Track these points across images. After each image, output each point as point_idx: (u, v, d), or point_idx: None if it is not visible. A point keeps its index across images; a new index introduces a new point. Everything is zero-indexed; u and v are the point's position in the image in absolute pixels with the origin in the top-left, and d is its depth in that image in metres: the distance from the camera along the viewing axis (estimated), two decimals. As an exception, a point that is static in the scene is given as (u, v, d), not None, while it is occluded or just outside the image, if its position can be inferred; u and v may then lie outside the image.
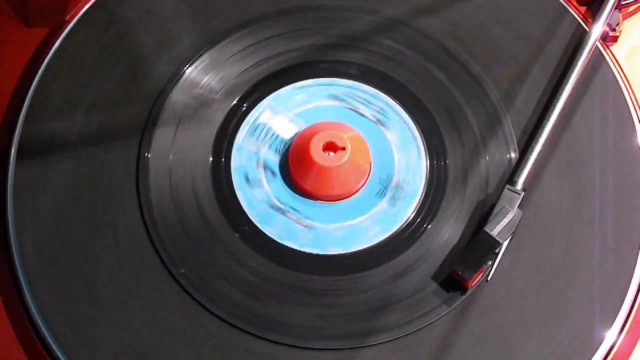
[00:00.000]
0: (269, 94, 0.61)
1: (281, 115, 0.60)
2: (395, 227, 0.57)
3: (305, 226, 0.57)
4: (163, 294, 0.54)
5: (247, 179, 0.58)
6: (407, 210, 0.57)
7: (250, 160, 0.59)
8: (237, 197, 0.58)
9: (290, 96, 0.61)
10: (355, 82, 0.62)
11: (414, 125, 0.60)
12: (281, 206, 0.58)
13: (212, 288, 0.54)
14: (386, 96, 0.61)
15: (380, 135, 0.60)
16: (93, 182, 0.57)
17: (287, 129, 0.60)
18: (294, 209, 0.58)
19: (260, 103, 0.60)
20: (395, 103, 0.61)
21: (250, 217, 0.57)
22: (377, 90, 0.61)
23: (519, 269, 0.55)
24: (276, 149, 0.59)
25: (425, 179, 0.59)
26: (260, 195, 0.58)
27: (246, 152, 0.59)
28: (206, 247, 0.56)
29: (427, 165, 0.59)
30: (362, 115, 0.60)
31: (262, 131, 0.59)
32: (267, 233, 0.56)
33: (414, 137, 0.59)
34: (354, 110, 0.61)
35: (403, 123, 0.60)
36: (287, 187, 0.58)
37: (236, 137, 0.60)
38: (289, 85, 0.61)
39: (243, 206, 0.57)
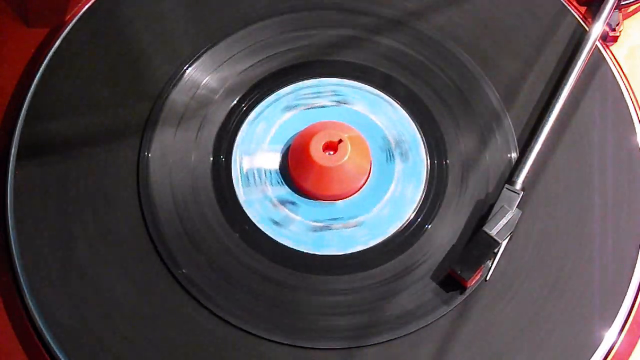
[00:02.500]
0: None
1: (258, 152, 0.59)
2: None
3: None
4: (163, 294, 0.54)
5: (277, 224, 0.57)
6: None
7: (267, 206, 0.58)
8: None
9: (252, 132, 0.60)
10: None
11: (380, 94, 0.61)
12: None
13: (212, 288, 0.54)
14: (326, 79, 0.61)
15: (350, 112, 0.60)
16: (93, 182, 0.57)
17: (271, 160, 0.59)
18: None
19: (233, 154, 0.59)
20: (342, 80, 0.61)
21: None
22: (319, 79, 0.61)
23: (518, 269, 0.55)
24: (277, 182, 0.59)
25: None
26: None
27: (257, 202, 0.58)
28: (206, 247, 0.56)
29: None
30: (323, 107, 0.61)
31: (254, 177, 0.59)
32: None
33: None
34: (312, 107, 0.61)
35: (361, 91, 0.61)
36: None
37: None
38: (243, 122, 0.60)
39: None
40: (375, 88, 0.62)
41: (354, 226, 0.57)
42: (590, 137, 0.59)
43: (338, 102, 0.61)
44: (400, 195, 0.58)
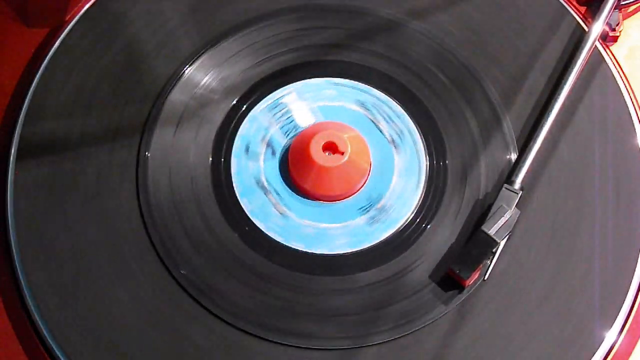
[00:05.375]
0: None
1: (305, 102, 0.60)
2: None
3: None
4: (163, 294, 0.54)
5: (247, 150, 0.57)
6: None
7: (258, 133, 0.59)
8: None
9: (321, 88, 0.61)
10: (388, 98, 0.61)
11: (424, 156, 0.59)
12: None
13: (212, 288, 0.54)
14: (410, 120, 0.60)
15: (389, 155, 0.59)
16: (93, 182, 0.57)
17: (305, 117, 0.59)
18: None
19: (289, 86, 0.60)
20: (415, 129, 0.60)
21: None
22: (404, 112, 0.61)
23: (518, 269, 0.55)
24: (287, 132, 0.59)
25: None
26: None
27: (257, 124, 0.59)
28: (206, 247, 0.56)
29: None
30: (380, 131, 0.60)
31: (280, 110, 0.59)
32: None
33: (419, 169, 0.58)
34: (374, 122, 0.60)
35: (415, 152, 0.59)
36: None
37: (254, 109, 0.60)
38: (324, 78, 0.61)
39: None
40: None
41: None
42: (590, 137, 0.59)
43: (393, 140, 0.60)
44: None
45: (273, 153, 0.59)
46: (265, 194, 0.58)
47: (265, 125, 0.59)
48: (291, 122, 0.60)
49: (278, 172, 0.59)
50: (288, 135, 0.60)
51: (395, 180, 0.59)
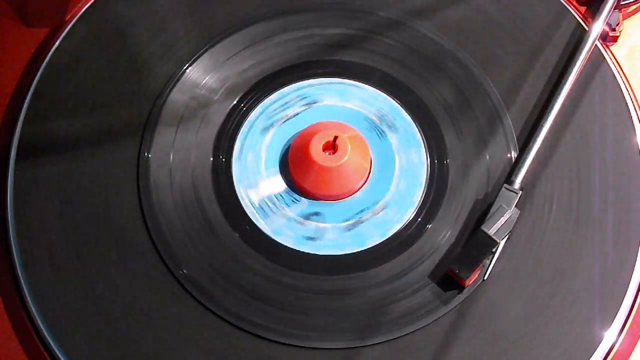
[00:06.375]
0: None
1: (260, 182, 0.58)
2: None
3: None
4: (164, 295, 0.54)
5: (312, 239, 0.56)
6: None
7: (295, 230, 0.57)
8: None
9: (245, 165, 0.59)
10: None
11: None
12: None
13: (213, 288, 0.54)
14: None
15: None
16: (93, 182, 0.57)
17: (276, 183, 0.59)
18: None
19: (237, 189, 0.58)
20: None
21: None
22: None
23: (518, 269, 0.55)
24: (292, 200, 0.58)
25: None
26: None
27: (284, 228, 0.57)
28: (207, 247, 0.56)
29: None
30: (297, 114, 0.61)
31: (268, 206, 0.58)
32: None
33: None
34: (286, 119, 0.60)
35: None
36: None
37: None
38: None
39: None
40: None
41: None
42: (590, 137, 0.59)
43: (308, 104, 0.61)
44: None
45: (317, 214, 0.58)
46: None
47: (285, 221, 0.57)
48: (282, 196, 0.58)
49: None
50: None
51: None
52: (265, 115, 0.61)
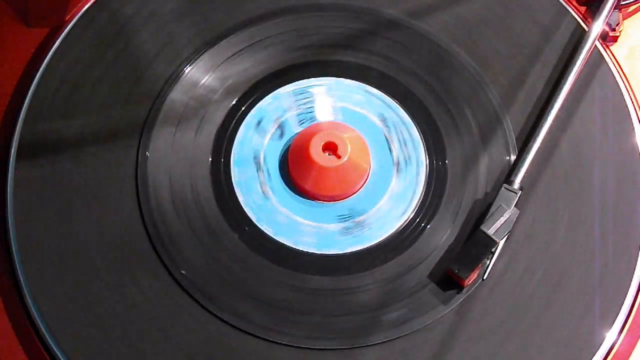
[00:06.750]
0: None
1: (331, 98, 0.60)
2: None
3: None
4: (163, 295, 0.54)
5: (258, 124, 0.57)
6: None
7: (275, 112, 0.59)
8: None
9: (352, 90, 0.61)
10: (411, 122, 0.60)
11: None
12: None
13: (212, 288, 0.54)
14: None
15: (388, 177, 0.59)
16: (93, 182, 0.57)
17: (324, 112, 0.59)
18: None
19: (322, 79, 0.60)
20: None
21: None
22: (421, 141, 0.60)
23: (518, 269, 0.55)
24: (301, 121, 0.59)
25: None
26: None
27: (279, 104, 0.59)
28: (206, 247, 0.56)
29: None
30: (390, 151, 0.60)
31: (305, 98, 0.59)
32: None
33: (411, 200, 0.58)
34: (388, 140, 0.60)
35: (415, 180, 0.59)
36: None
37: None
38: (364, 84, 0.61)
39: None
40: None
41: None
42: (590, 137, 0.59)
43: (398, 163, 0.59)
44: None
45: (280, 136, 0.59)
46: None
47: (285, 107, 0.58)
48: (310, 112, 0.59)
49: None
50: (302, 123, 0.60)
51: (383, 201, 0.58)
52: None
